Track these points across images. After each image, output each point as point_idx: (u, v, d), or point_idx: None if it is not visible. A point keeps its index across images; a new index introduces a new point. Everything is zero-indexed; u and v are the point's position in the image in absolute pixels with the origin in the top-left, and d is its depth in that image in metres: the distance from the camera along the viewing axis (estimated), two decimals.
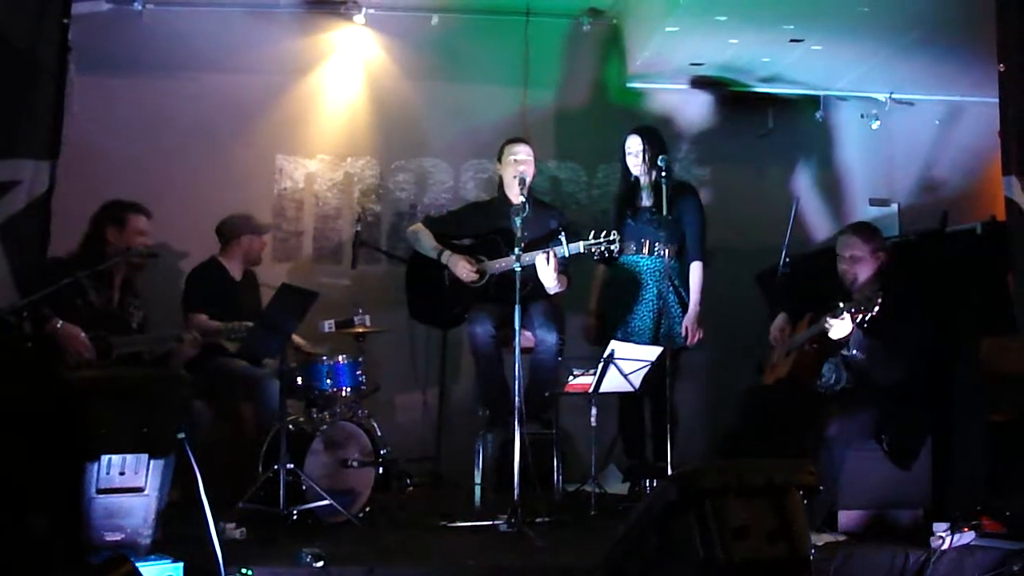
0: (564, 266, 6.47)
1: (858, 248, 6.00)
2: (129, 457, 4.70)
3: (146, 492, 4.76)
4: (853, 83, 8.46)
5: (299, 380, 6.24)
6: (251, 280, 6.98)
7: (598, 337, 6.74)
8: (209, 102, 7.94)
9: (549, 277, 6.40)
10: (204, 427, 5.81)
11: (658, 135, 6.89)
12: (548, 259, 6.29)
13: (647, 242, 6.67)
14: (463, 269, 6.66)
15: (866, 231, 6.11)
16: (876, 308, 5.40)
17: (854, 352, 5.67)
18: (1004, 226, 5.55)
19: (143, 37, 7.81)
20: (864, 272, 5.98)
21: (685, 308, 6.69)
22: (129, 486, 4.71)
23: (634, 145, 6.78)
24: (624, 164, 6.87)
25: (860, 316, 5.47)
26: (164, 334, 6.16)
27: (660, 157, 6.50)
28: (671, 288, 6.68)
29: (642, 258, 6.71)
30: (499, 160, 6.88)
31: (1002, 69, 5.46)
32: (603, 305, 6.88)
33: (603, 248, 6.26)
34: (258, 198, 7.95)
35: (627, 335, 6.56)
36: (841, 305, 5.58)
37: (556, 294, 6.63)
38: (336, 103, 8.21)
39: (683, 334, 6.65)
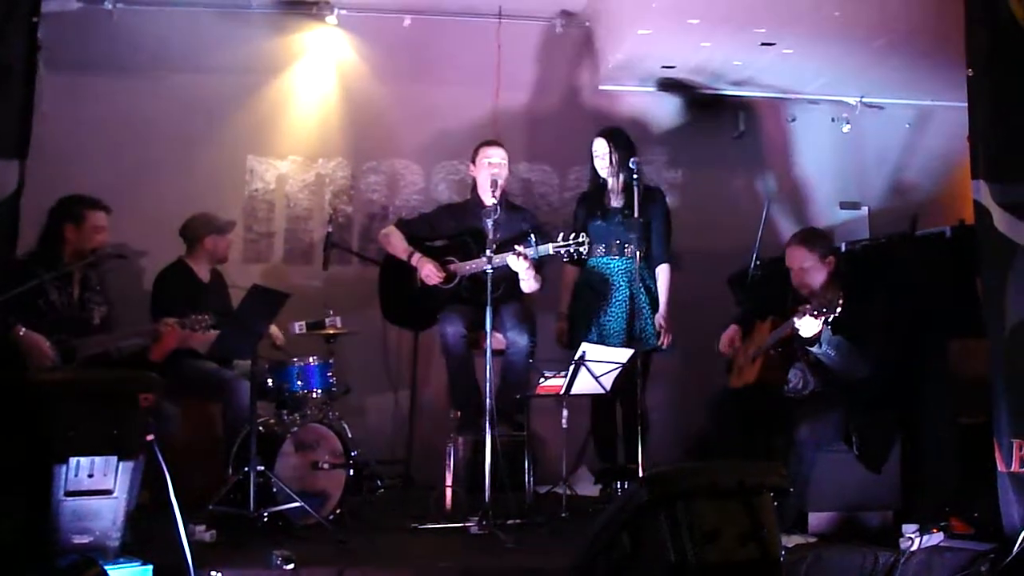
0: (537, 267, 6.47)
1: (805, 258, 6.02)
2: (97, 459, 4.67)
3: (115, 494, 4.73)
4: (824, 87, 8.51)
5: (269, 381, 6.24)
6: (219, 281, 6.93)
7: (570, 340, 6.75)
8: (179, 102, 7.89)
9: (525, 275, 6.41)
10: (173, 429, 5.76)
11: (625, 137, 6.91)
12: (519, 258, 6.29)
13: (617, 244, 6.68)
14: (429, 272, 6.65)
15: (808, 239, 6.12)
16: (839, 309, 5.42)
17: (825, 349, 5.69)
18: (973, 230, 5.59)
19: (113, 36, 7.77)
20: (817, 279, 6.00)
21: (656, 309, 6.72)
22: (97, 488, 4.68)
23: (600, 148, 6.82)
24: (592, 166, 6.88)
25: (823, 317, 5.50)
26: (133, 330, 6.11)
27: (631, 159, 6.52)
28: (642, 289, 6.70)
29: (613, 259, 6.73)
30: (472, 162, 6.88)
31: (970, 74, 5.50)
32: (575, 308, 6.88)
33: (572, 249, 6.26)
34: (229, 199, 7.91)
35: (601, 337, 6.59)
36: (804, 308, 5.59)
37: (528, 296, 6.64)
38: (308, 104, 8.19)
39: (656, 333, 6.68)
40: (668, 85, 8.46)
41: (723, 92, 8.54)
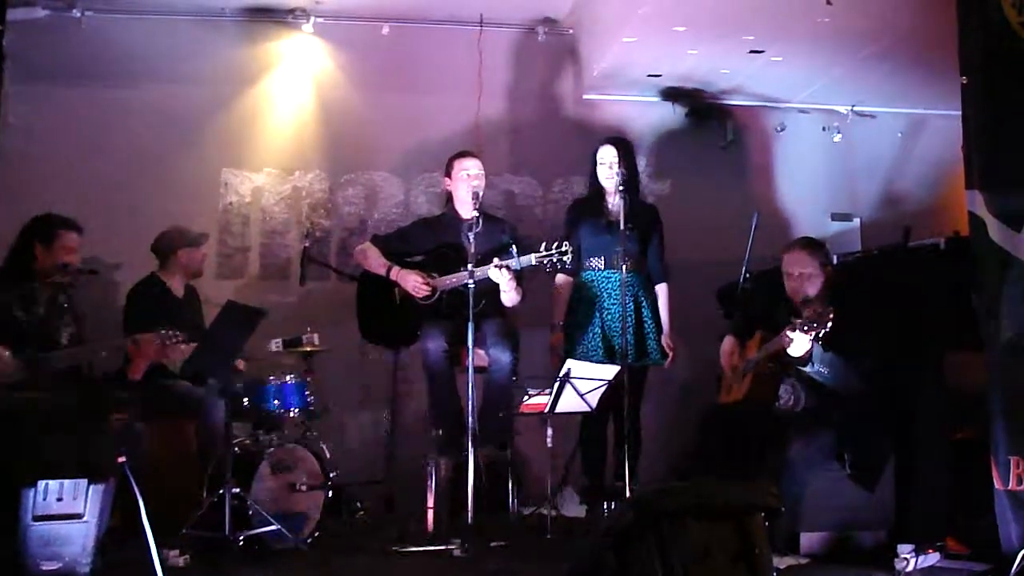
0: (518, 279, 6.47)
1: (808, 264, 6.03)
2: (67, 482, 4.66)
3: (85, 518, 4.72)
4: (814, 95, 8.54)
5: (245, 401, 6.20)
6: (193, 296, 6.93)
7: (567, 352, 6.71)
8: (151, 113, 7.90)
9: (507, 287, 6.41)
10: (146, 450, 5.75)
11: (632, 148, 6.94)
12: (501, 271, 6.29)
13: (617, 256, 6.65)
14: (413, 283, 6.64)
15: (813, 246, 6.15)
16: (829, 324, 5.43)
17: (818, 367, 5.70)
18: (967, 241, 5.59)
19: (82, 45, 7.77)
20: (813, 288, 6.01)
21: (658, 323, 6.78)
22: (67, 512, 4.67)
23: (608, 155, 6.80)
24: (593, 174, 6.89)
25: (814, 332, 5.50)
26: (103, 344, 6.07)
27: (637, 171, 6.57)
28: (645, 302, 6.72)
29: (613, 272, 6.72)
30: (447, 175, 6.89)
31: (964, 82, 5.50)
32: (572, 321, 6.86)
33: (555, 259, 6.25)
34: (203, 213, 7.89)
35: (608, 352, 6.63)
36: (794, 322, 5.60)
37: (511, 311, 6.65)
38: (284, 115, 8.19)
39: (662, 350, 6.73)
40: (654, 93, 8.47)
41: (711, 101, 8.57)
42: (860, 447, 5.75)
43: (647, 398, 6.97)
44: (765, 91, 8.45)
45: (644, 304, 6.75)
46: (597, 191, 6.92)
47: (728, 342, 6.43)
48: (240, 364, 6.62)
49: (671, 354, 6.76)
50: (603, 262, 6.77)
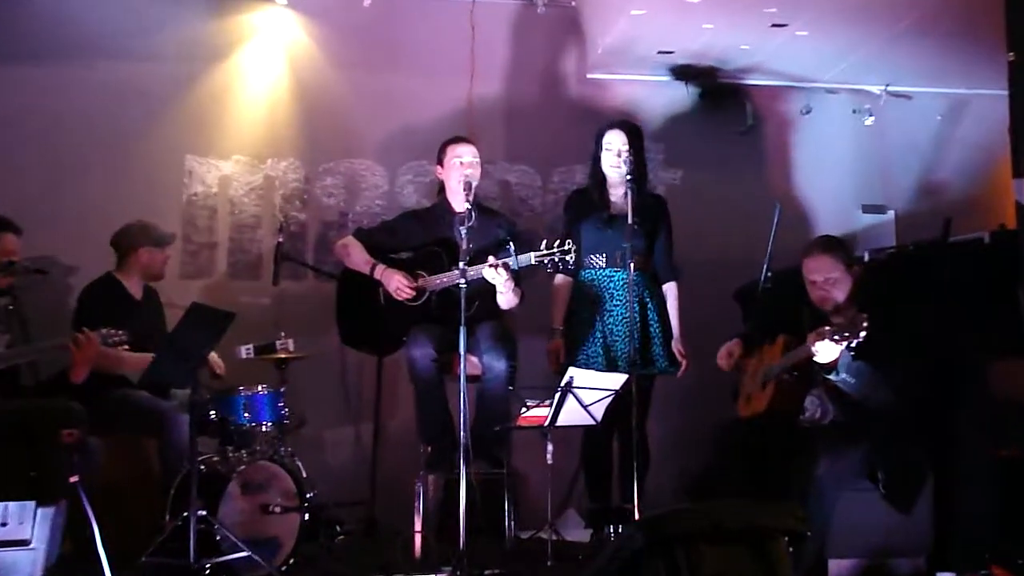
0: (516, 279, 6.46)
1: (832, 268, 5.94)
2: (12, 505, 4.66)
3: (32, 545, 4.72)
4: (844, 74, 8.54)
5: (212, 414, 6.22)
6: (153, 299, 6.93)
7: (567, 362, 6.69)
8: (109, 94, 7.87)
9: (503, 288, 6.39)
10: (101, 468, 5.74)
11: (641, 133, 6.92)
12: (497, 270, 6.27)
13: (622, 253, 6.64)
14: (397, 284, 6.64)
15: (834, 246, 6.06)
16: (863, 333, 5.38)
17: (844, 376, 5.69)
18: (1014, 235, 5.60)
19: (31, 20, 7.75)
20: (841, 292, 5.94)
21: (665, 327, 6.76)
22: (12, 539, 4.67)
23: (616, 141, 6.76)
24: (596, 162, 6.88)
25: (845, 342, 5.47)
26: (41, 345, 6.05)
27: (645, 159, 6.55)
28: (651, 305, 6.72)
29: (617, 271, 6.72)
30: (439, 162, 6.88)
31: (1012, 58, 5.51)
32: (573, 326, 6.84)
33: (557, 259, 6.24)
34: (164, 205, 7.88)
35: (610, 360, 6.63)
36: (822, 330, 5.56)
37: (507, 314, 6.65)
38: (254, 96, 8.18)
39: (670, 357, 6.74)
40: (666, 73, 8.47)
41: (728, 81, 8.57)
42: (895, 464, 5.74)
43: (656, 410, 6.96)
44: (789, 69, 8.44)
45: (650, 306, 6.75)
46: (599, 181, 6.90)
47: (731, 342, 6.40)
48: (218, 368, 6.62)
49: (684, 362, 6.75)
50: (605, 259, 6.74)
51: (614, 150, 6.76)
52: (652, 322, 6.74)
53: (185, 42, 8.03)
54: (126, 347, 5.98)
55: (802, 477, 5.65)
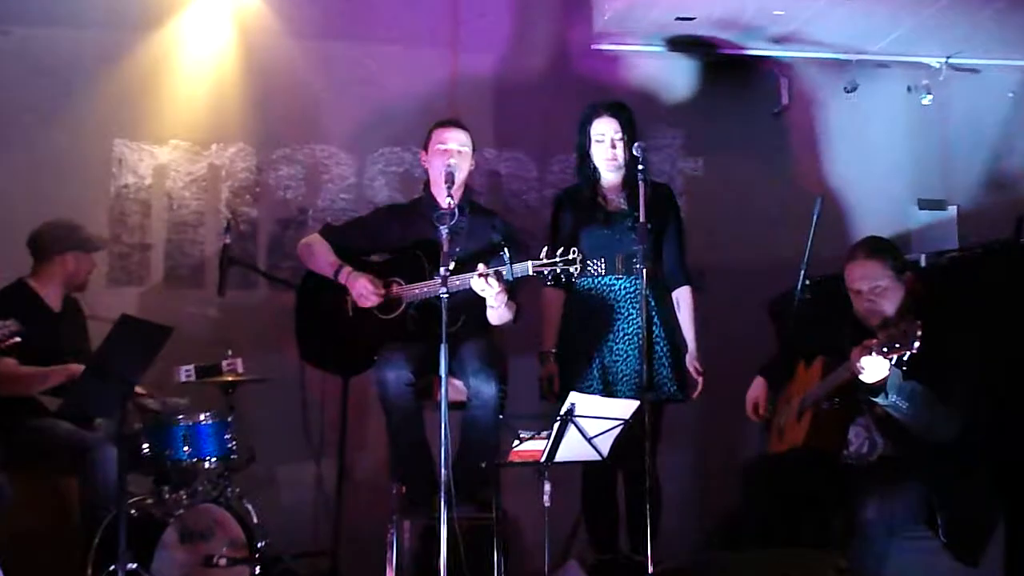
0: (511, 292, 6.43)
1: (880, 275, 5.91)
2: None
3: None
4: (897, 44, 8.55)
5: (145, 447, 6.20)
6: (74, 311, 6.92)
7: (561, 390, 6.68)
8: (24, 67, 7.89)
9: (494, 301, 6.36)
10: (10, 512, 5.73)
11: (633, 116, 6.89)
12: (488, 280, 6.24)
13: (623, 258, 6.64)
14: (363, 290, 6.61)
15: (881, 249, 6.03)
16: (916, 344, 5.35)
17: (894, 400, 5.65)
18: None
19: None
20: (891, 304, 5.91)
21: (673, 346, 6.73)
22: None
23: (608, 129, 6.76)
24: (585, 154, 6.87)
25: (896, 355, 5.43)
26: None
27: (636, 145, 6.51)
28: (657, 318, 6.69)
29: (618, 279, 6.73)
30: (424, 149, 6.86)
31: None
32: (566, 346, 6.84)
33: (559, 270, 6.21)
34: (88, 198, 7.91)
35: (608, 384, 6.62)
36: (868, 343, 5.53)
37: (497, 330, 6.63)
38: (196, 70, 8.19)
39: (679, 381, 6.70)
40: (684, 44, 8.50)
41: (759, 53, 8.58)
42: (958, 508, 5.73)
43: (672, 442, 6.94)
44: (831, 39, 8.46)
45: (656, 320, 6.68)
46: (590, 176, 6.88)
47: (755, 386, 6.39)
48: (149, 400, 6.60)
49: (699, 381, 6.74)
50: (604, 266, 6.70)
51: (607, 141, 6.75)
52: (658, 339, 6.69)
53: (114, 6, 8.03)
54: (19, 341, 5.91)
55: (846, 522, 5.65)
